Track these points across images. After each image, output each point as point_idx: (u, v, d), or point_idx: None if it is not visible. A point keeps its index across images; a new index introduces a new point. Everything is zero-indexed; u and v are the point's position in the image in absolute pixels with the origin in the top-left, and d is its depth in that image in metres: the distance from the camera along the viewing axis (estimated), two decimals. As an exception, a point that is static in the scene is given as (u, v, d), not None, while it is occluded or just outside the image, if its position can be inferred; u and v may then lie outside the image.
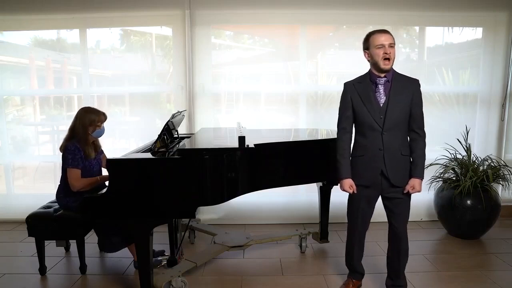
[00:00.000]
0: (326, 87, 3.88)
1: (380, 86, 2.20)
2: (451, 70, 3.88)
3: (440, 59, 3.92)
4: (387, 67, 2.15)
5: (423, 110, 2.25)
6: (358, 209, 2.35)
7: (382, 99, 2.20)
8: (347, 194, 2.35)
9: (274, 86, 3.91)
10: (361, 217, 2.37)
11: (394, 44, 2.17)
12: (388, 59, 2.13)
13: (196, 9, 3.67)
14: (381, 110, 2.18)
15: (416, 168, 2.22)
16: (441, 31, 3.91)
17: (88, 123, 2.65)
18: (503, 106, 3.85)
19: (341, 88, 2.33)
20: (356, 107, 2.24)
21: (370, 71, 2.25)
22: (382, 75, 2.20)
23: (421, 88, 2.25)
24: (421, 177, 2.22)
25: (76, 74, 3.95)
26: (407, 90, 2.20)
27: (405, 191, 2.22)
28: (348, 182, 2.28)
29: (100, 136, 2.77)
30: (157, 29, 3.88)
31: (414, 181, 2.20)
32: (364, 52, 2.24)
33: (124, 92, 3.94)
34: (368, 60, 2.24)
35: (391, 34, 2.17)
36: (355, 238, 2.43)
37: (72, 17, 3.72)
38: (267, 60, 3.95)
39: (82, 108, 2.73)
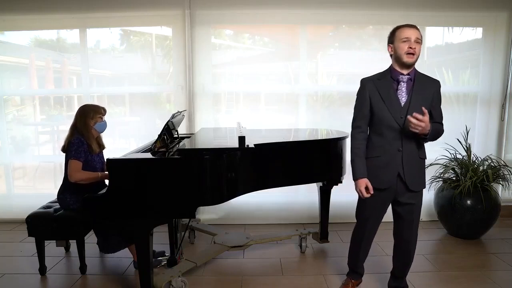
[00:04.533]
0: (326, 87, 3.86)
1: (402, 83, 2.10)
2: (451, 70, 3.88)
3: (440, 59, 3.91)
4: (410, 61, 2.03)
5: None
6: (371, 213, 2.26)
7: (403, 97, 2.10)
8: (354, 193, 2.24)
9: (274, 86, 3.91)
10: (372, 221, 2.29)
11: (421, 41, 2.06)
12: (412, 53, 2.02)
13: (196, 9, 3.67)
14: (402, 110, 2.08)
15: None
16: (441, 31, 3.91)
17: (89, 116, 2.69)
18: (503, 106, 3.85)
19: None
20: (375, 105, 2.13)
21: (391, 67, 2.15)
22: (405, 72, 2.09)
23: None
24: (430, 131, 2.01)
25: (76, 74, 3.95)
26: (428, 91, 2.11)
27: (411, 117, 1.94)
28: (364, 181, 2.15)
29: (103, 130, 2.79)
30: (157, 29, 3.88)
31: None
32: (388, 46, 2.13)
33: (124, 92, 3.95)
34: (391, 55, 2.13)
35: (419, 30, 2.07)
36: (363, 241, 2.37)
37: (72, 17, 3.73)
38: (267, 60, 3.95)
39: (80, 106, 2.77)
